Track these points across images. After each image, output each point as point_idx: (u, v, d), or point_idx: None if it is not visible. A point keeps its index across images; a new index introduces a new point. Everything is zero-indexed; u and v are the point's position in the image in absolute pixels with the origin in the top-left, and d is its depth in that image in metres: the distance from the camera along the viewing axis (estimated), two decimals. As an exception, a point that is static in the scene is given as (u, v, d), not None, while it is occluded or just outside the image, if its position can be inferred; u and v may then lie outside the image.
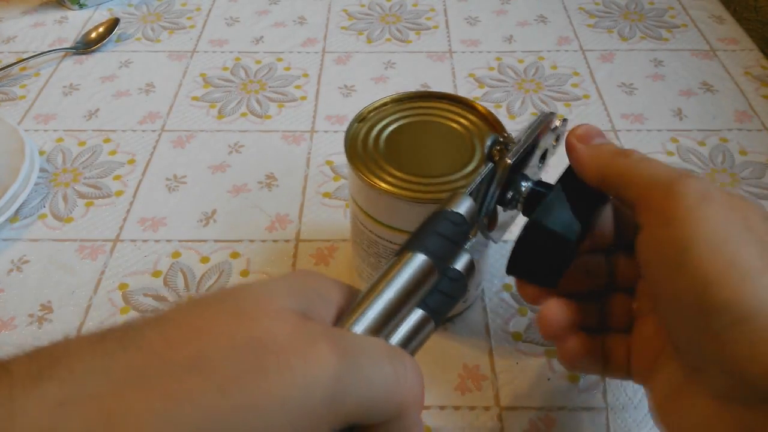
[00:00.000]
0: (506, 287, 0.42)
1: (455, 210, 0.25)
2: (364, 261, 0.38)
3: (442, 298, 0.24)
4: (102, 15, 0.68)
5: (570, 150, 0.29)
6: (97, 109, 0.56)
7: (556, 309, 0.29)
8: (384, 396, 0.20)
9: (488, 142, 0.29)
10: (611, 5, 0.70)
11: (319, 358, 0.19)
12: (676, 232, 0.23)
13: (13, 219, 0.46)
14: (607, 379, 0.36)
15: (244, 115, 0.56)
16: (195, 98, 0.57)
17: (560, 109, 0.56)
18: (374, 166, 0.33)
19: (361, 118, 0.36)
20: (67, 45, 0.64)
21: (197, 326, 0.19)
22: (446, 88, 0.58)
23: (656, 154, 0.51)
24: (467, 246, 0.26)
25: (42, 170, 0.50)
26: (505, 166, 0.28)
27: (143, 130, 0.54)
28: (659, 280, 0.25)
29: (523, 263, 0.29)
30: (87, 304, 0.41)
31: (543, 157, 0.32)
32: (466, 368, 0.37)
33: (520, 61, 0.62)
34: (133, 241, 0.45)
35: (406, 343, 0.23)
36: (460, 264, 0.25)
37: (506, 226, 0.32)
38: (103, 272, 0.43)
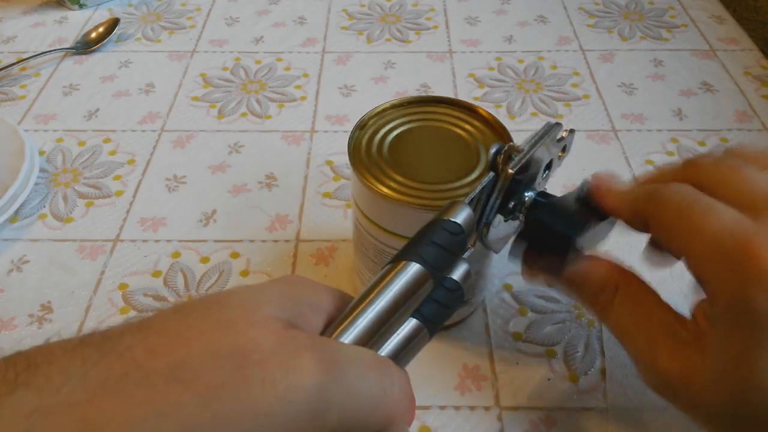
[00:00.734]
0: (506, 287, 0.42)
1: (453, 219, 0.25)
2: (366, 266, 0.38)
3: (438, 307, 0.24)
4: (102, 15, 0.68)
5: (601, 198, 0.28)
6: (97, 109, 0.56)
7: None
8: (369, 408, 0.20)
9: (492, 151, 0.29)
10: (611, 5, 0.70)
11: (302, 369, 0.18)
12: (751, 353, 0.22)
13: (13, 219, 0.46)
14: (607, 379, 0.36)
15: (244, 115, 0.56)
16: (195, 98, 0.57)
17: (560, 109, 0.56)
18: (378, 171, 0.33)
19: (362, 125, 0.35)
20: (67, 45, 0.64)
21: (179, 334, 0.19)
22: (446, 88, 0.58)
23: (656, 154, 0.51)
24: (465, 255, 0.26)
25: (42, 170, 0.50)
26: (506, 176, 0.28)
27: (143, 130, 0.54)
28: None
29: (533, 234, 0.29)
30: (87, 304, 0.41)
31: (548, 167, 0.31)
32: (466, 368, 0.37)
33: (520, 61, 0.62)
34: (133, 241, 0.45)
35: (398, 353, 0.23)
36: (457, 274, 0.25)
37: (508, 236, 0.31)
38: (103, 272, 0.43)
